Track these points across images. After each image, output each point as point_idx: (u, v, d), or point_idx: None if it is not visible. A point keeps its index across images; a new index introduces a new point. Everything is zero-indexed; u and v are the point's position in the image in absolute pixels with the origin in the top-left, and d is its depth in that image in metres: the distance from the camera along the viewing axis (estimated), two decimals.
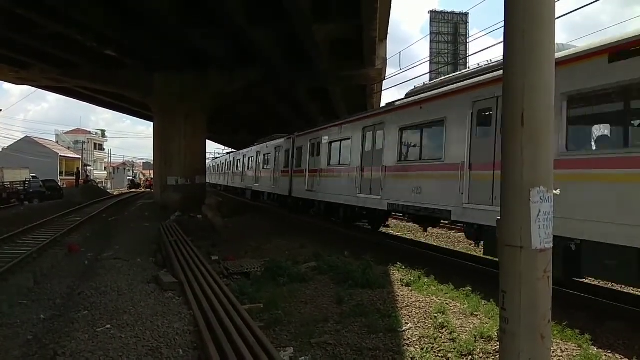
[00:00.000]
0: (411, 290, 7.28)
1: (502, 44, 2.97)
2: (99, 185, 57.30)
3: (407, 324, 5.83)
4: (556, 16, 3.01)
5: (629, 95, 6.10)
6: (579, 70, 6.44)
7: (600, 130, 7.28)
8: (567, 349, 4.94)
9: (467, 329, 5.47)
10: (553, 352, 4.74)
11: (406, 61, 60.01)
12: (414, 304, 6.53)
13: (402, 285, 7.61)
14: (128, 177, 76.27)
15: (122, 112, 42.34)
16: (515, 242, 2.76)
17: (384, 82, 26.49)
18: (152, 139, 26.43)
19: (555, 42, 2.97)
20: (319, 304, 6.89)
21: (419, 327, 5.69)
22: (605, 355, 4.93)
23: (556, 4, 3.01)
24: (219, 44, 19.56)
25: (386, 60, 23.97)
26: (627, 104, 6.21)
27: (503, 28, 2.96)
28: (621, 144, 6.40)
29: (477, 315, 5.94)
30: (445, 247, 12.87)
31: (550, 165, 2.85)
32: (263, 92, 26.77)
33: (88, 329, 5.43)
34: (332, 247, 11.74)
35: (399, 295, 6.95)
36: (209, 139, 35.46)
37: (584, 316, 6.17)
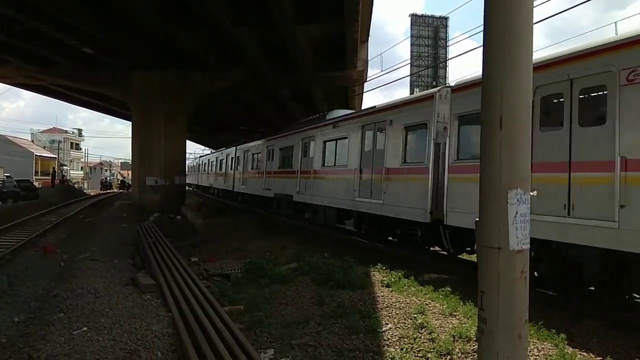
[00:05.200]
0: (391, 291, 7.33)
1: (482, 48, 3.03)
2: (76, 185, 56.10)
3: (387, 324, 5.87)
4: (537, 20, 3.09)
5: None
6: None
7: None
8: (543, 348, 5.03)
9: (446, 329, 5.54)
10: (530, 351, 4.84)
11: (389, 62, 60.55)
12: (394, 304, 6.57)
13: (383, 286, 7.65)
14: (102, 178, 74.12)
15: (101, 111, 41.53)
16: (493, 244, 2.81)
17: (366, 83, 26.66)
18: (130, 139, 26.04)
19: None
20: (300, 305, 6.88)
21: (399, 328, 5.74)
22: (580, 354, 5.04)
23: (537, 8, 3.08)
24: (201, 43, 19.38)
25: (367, 62, 24.14)
26: None
27: (482, 33, 3.02)
28: None
29: (456, 316, 6.02)
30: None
31: (528, 167, 2.91)
32: (246, 92, 26.64)
33: (64, 331, 5.31)
34: (313, 248, 11.75)
35: (379, 296, 6.99)
36: (188, 139, 35.08)
37: (559, 316, 6.30)
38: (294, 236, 14.42)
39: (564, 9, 12.05)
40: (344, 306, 6.53)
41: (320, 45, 19.31)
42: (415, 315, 5.95)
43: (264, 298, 7.15)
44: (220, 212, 24.25)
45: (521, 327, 2.79)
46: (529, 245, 2.85)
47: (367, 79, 26.12)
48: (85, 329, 5.41)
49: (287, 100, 28.61)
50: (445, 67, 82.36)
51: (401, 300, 6.76)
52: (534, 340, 5.16)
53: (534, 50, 3.08)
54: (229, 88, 24.03)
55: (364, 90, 29.66)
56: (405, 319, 5.99)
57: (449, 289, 7.14)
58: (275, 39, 17.92)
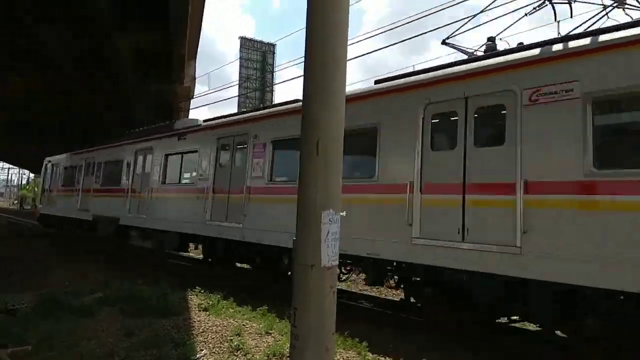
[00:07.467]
0: (209, 315, 7.10)
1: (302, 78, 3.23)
2: None
3: (202, 350, 5.64)
4: (351, 57, 3.42)
5: None
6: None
7: None
8: (348, 357, 5.45)
9: (261, 348, 5.57)
10: None
11: (219, 81, 60.30)
12: (210, 328, 6.37)
13: (200, 310, 7.37)
14: None
15: None
16: (307, 261, 2.96)
17: (193, 100, 26.02)
18: None
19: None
20: (104, 338, 6.14)
21: (214, 353, 5.56)
22: (379, 358, 5.61)
23: (352, 47, 3.43)
24: None
25: (195, 78, 23.70)
26: None
27: (303, 64, 3.22)
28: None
29: (271, 334, 6.12)
30: (240, 267, 12.95)
31: (339, 189, 3.15)
32: (49, 99, 23.37)
33: None
34: (123, 274, 10.74)
35: (195, 321, 6.70)
36: None
37: (364, 325, 6.93)
38: (100, 261, 13.01)
39: (375, 50, 13.85)
40: (157, 335, 6.05)
41: (145, 57, 18.25)
42: (232, 338, 5.86)
43: (61, 334, 6.19)
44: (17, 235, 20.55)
45: (329, 340, 2.97)
46: (337, 262, 3.08)
47: (195, 96, 25.60)
48: None
49: (102, 109, 25.98)
50: (271, 91, 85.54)
51: (218, 323, 6.59)
52: (340, 350, 5.55)
53: (347, 83, 3.41)
54: (30, 93, 20.82)
55: (191, 107, 28.91)
56: (221, 342, 5.84)
57: (265, 307, 7.23)
58: (90, 42, 16.28)
